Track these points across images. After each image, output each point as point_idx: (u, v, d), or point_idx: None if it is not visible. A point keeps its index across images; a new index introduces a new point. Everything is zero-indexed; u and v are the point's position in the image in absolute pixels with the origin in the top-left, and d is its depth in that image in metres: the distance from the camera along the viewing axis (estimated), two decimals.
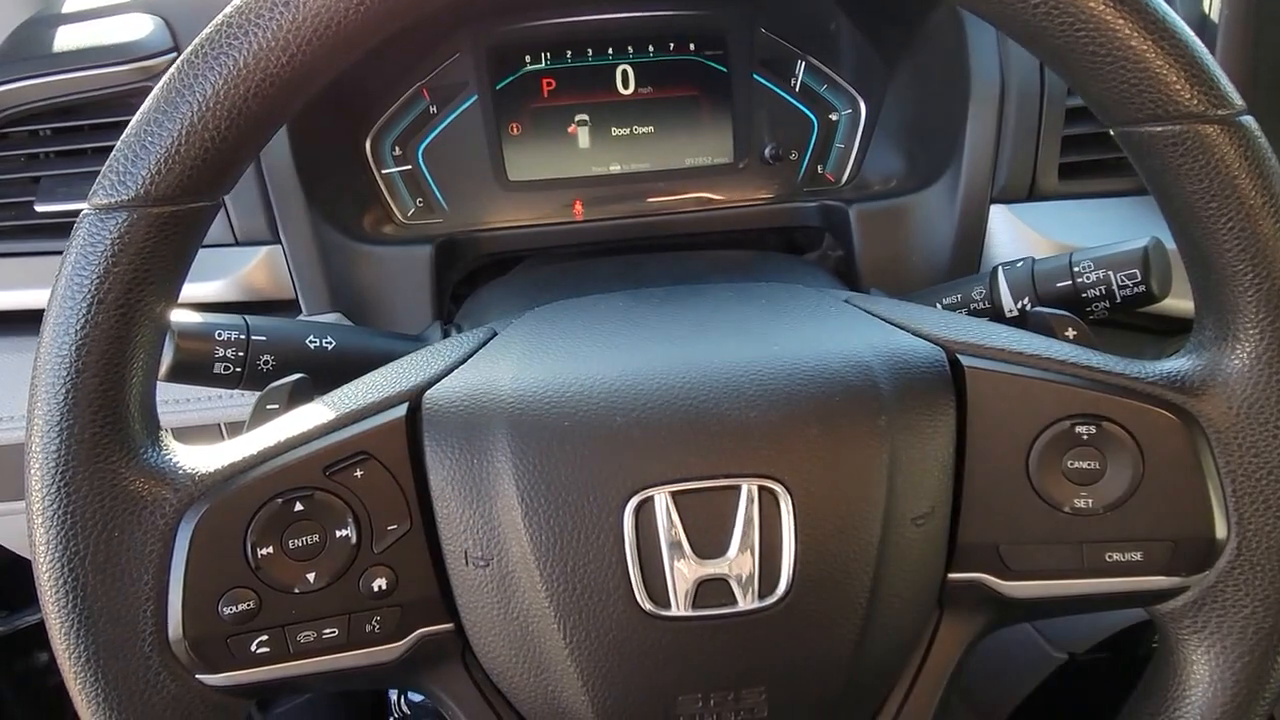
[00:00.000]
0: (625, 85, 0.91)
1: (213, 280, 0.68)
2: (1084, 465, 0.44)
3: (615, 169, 0.91)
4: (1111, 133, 0.42)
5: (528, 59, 0.89)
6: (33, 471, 0.39)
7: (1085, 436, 0.44)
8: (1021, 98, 0.69)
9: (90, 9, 0.73)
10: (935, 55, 0.75)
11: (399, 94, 0.87)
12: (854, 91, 0.89)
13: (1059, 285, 0.55)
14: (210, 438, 0.70)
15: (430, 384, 0.45)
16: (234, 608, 0.41)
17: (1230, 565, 0.44)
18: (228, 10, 0.37)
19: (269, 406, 0.48)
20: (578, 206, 0.91)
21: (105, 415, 0.39)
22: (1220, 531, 0.43)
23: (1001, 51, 0.70)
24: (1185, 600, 0.45)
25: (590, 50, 0.89)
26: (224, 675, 0.42)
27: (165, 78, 0.37)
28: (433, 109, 0.88)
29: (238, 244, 0.69)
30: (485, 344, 0.48)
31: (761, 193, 0.90)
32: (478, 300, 0.67)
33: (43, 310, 0.63)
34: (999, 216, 0.70)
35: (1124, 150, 0.42)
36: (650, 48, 0.90)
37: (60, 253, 0.65)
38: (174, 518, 0.41)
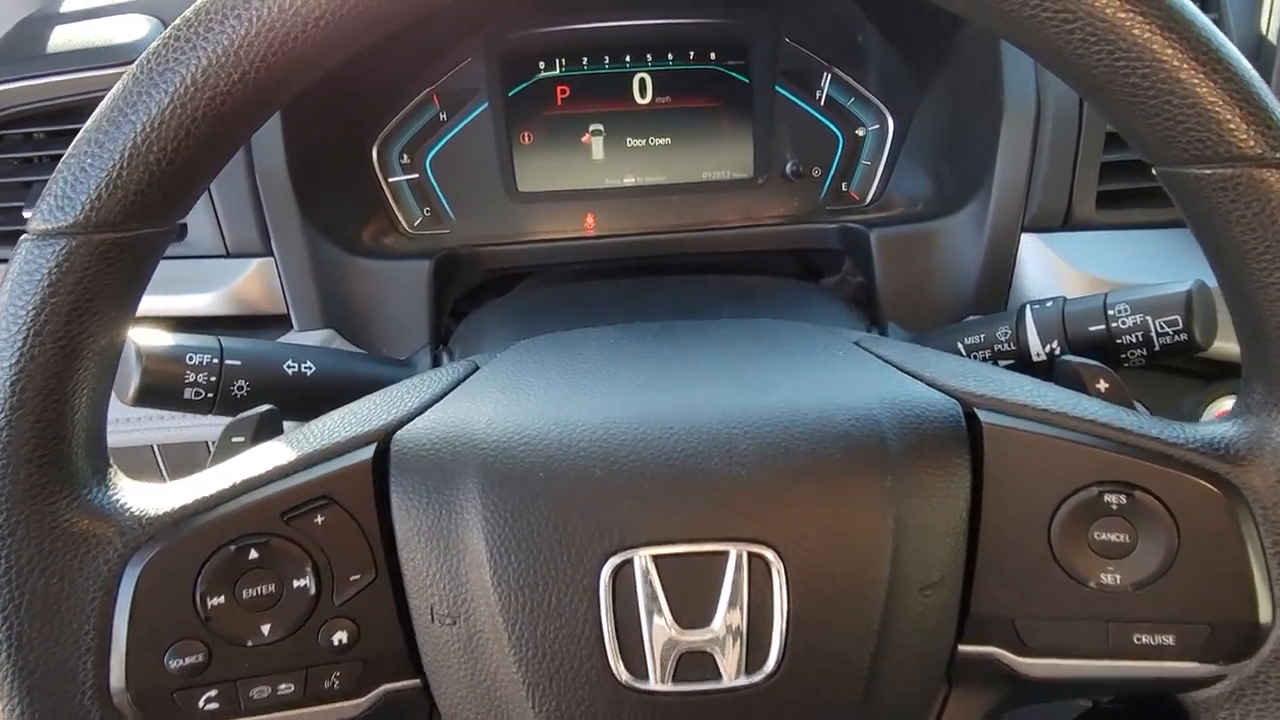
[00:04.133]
0: (642, 94, 0.87)
1: (202, 293, 0.65)
2: (1112, 537, 0.40)
3: (630, 181, 0.88)
4: (1154, 171, 0.38)
5: (541, 65, 0.85)
6: None
7: (1115, 506, 0.40)
8: (1058, 119, 0.64)
9: (87, 9, 0.71)
10: (968, 72, 0.71)
11: (408, 99, 0.84)
12: (882, 106, 0.85)
13: (1091, 329, 0.51)
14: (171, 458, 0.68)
15: (401, 423, 0.42)
16: (181, 660, 0.39)
17: (1275, 654, 0.39)
18: (177, 21, 0.34)
19: (234, 439, 0.45)
20: (589, 220, 0.87)
21: (44, 453, 0.36)
22: (1265, 616, 0.39)
23: (1038, 70, 0.65)
24: (1222, 690, 0.40)
25: (607, 57, 0.86)
26: None
27: (110, 94, 0.34)
28: (442, 116, 0.85)
29: (229, 255, 0.66)
30: (464, 380, 0.45)
31: (782, 210, 0.86)
32: (472, 324, 0.63)
33: None
34: (1030, 246, 0.66)
35: (1167, 192, 0.38)
36: (669, 56, 0.86)
37: None
38: (118, 563, 0.38)
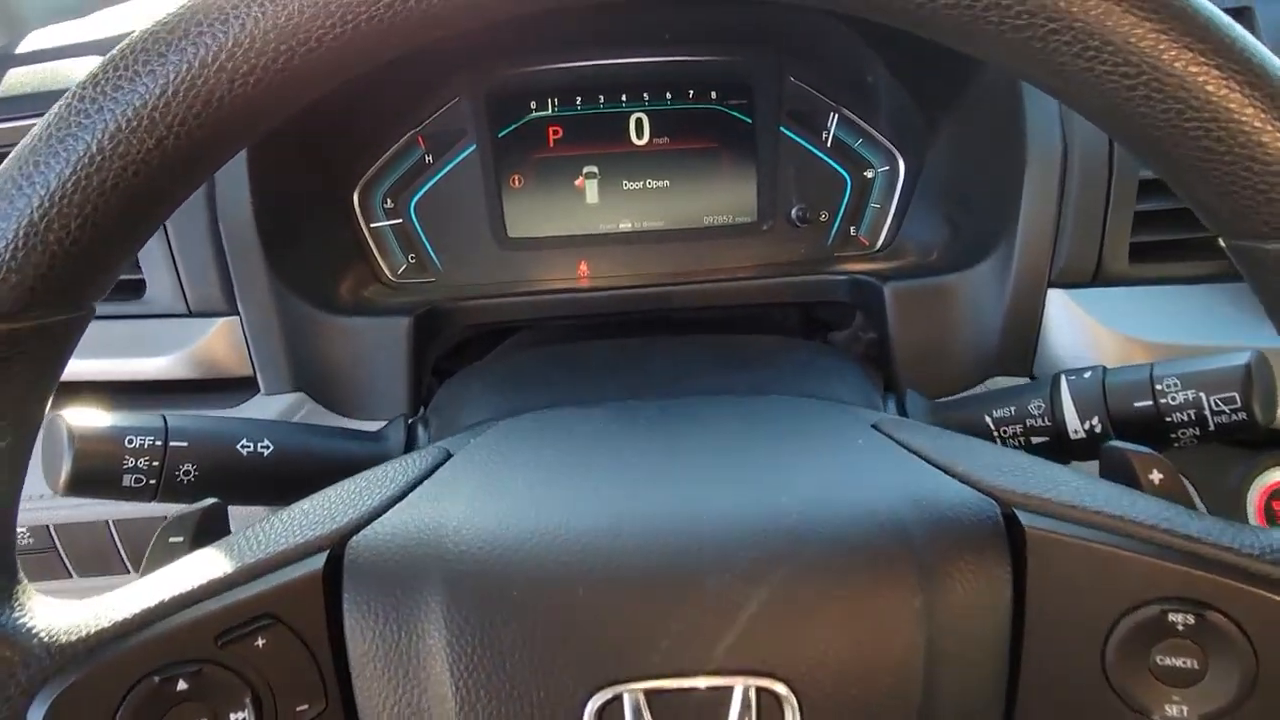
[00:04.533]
0: (639, 135, 0.83)
1: (160, 355, 0.60)
2: (1178, 663, 0.34)
3: (626, 227, 0.83)
4: (1221, 243, 0.33)
5: (533, 105, 0.81)
6: None
7: (1181, 627, 0.34)
8: (1087, 163, 0.60)
9: (47, 49, 0.66)
10: (986, 113, 0.66)
11: (391, 141, 0.80)
12: (892, 147, 0.81)
13: (1137, 406, 0.46)
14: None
15: (357, 527, 0.37)
16: None
17: None
18: (83, 77, 0.29)
19: (171, 540, 0.40)
20: (583, 267, 0.83)
21: None
22: None
23: (1063, 111, 0.61)
24: None
25: (601, 96, 0.82)
26: None
27: (6, 160, 0.30)
28: (428, 158, 0.81)
29: (190, 314, 0.61)
30: (433, 470, 0.40)
31: (788, 256, 0.81)
32: (451, 390, 0.58)
33: None
34: (1057, 303, 0.61)
35: (1238, 266, 0.33)
36: (668, 95, 0.82)
37: None
38: (22, 700, 0.33)
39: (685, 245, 0.82)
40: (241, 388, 0.62)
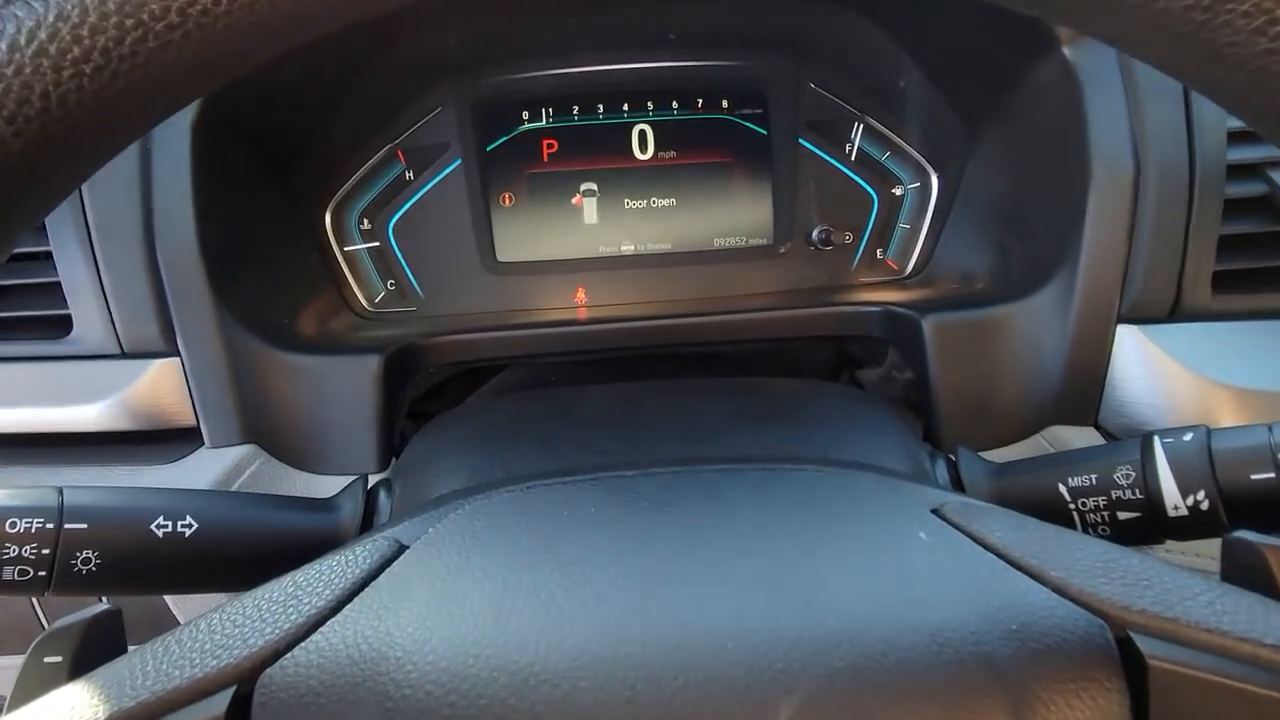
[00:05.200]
0: (643, 149, 0.75)
1: (88, 403, 0.52)
2: None
3: (628, 250, 0.75)
4: None
5: (525, 115, 0.73)
6: None
7: None
8: (1164, 183, 0.51)
9: None
10: (1040, 120, 0.58)
11: (367, 156, 0.72)
12: (924, 161, 0.73)
13: (1255, 478, 0.37)
14: None
15: (276, 654, 0.28)
16: None
17: None
18: None
19: (48, 660, 0.31)
20: (580, 294, 0.75)
21: None
22: None
23: (1134, 121, 0.52)
24: None
25: (601, 106, 0.74)
26: None
27: None
28: (409, 174, 0.73)
29: (123, 355, 0.53)
30: (381, 570, 0.31)
31: (807, 282, 0.73)
32: (425, 443, 0.50)
33: None
34: (1128, 341, 0.52)
35: None
36: (674, 104, 0.74)
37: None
38: None
39: (694, 270, 0.73)
40: (183, 439, 0.54)
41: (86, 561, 0.37)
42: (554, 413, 0.50)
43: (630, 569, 0.30)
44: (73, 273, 0.52)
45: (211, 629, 0.29)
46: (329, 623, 0.29)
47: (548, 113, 0.73)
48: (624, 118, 0.74)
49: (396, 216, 0.72)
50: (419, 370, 0.61)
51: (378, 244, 0.72)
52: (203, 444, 0.54)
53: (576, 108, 0.74)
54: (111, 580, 0.38)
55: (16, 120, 0.20)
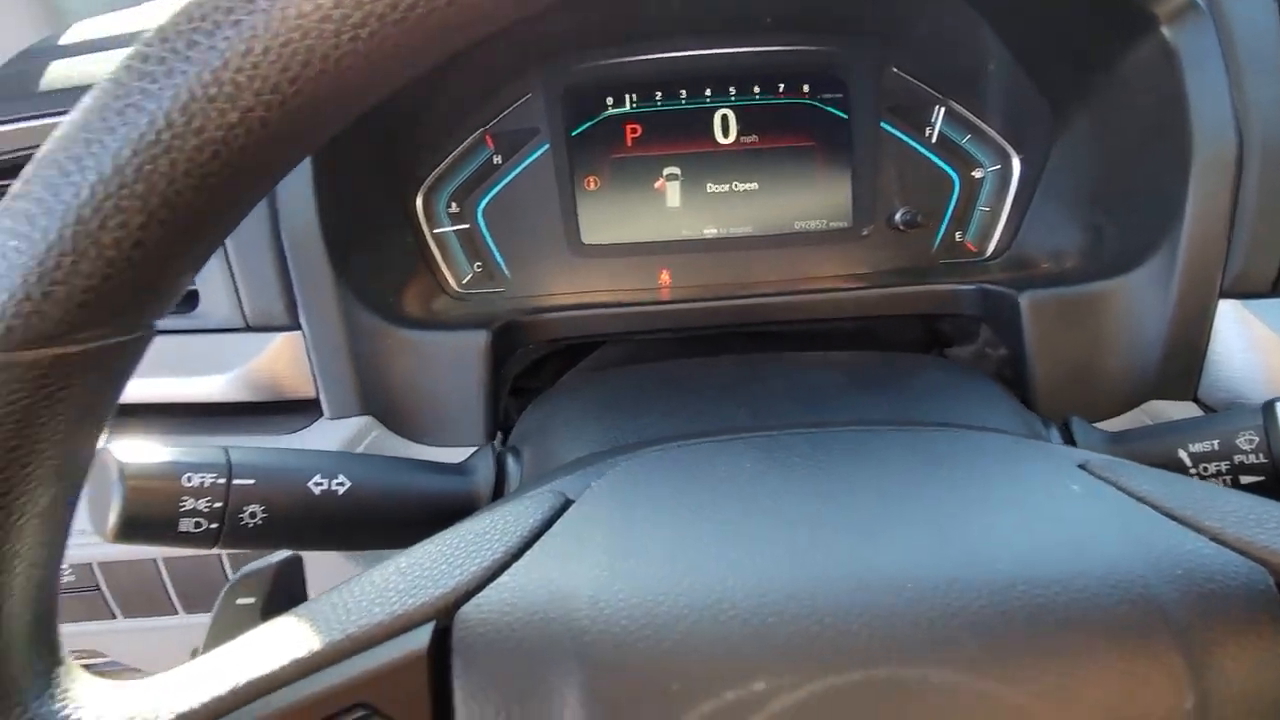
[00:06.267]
0: (725, 133, 0.76)
1: (214, 374, 0.54)
2: None
3: (710, 233, 0.76)
4: None
5: (609, 101, 0.75)
6: None
7: None
8: (1267, 159, 0.52)
9: (92, 39, 0.61)
10: (1134, 101, 0.59)
11: (458, 142, 0.74)
12: (1005, 144, 0.73)
13: None
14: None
15: (468, 593, 0.30)
16: None
17: None
18: (147, 33, 0.23)
19: (240, 601, 0.33)
20: (664, 277, 0.76)
21: None
22: None
23: (1235, 98, 0.53)
24: None
25: (684, 91, 0.75)
26: None
27: (48, 144, 0.23)
28: (496, 159, 0.74)
29: (248, 329, 0.55)
30: (551, 522, 0.33)
31: (887, 264, 0.74)
32: (539, 414, 0.52)
33: None
34: (1230, 316, 0.53)
35: None
36: (756, 89, 0.75)
37: None
38: None
39: (775, 253, 0.75)
40: (302, 411, 0.56)
41: (253, 515, 0.39)
42: (668, 383, 0.52)
43: (797, 516, 0.32)
44: None
45: (402, 572, 0.31)
46: (513, 566, 0.31)
47: (631, 98, 0.75)
48: (706, 102, 0.75)
49: (485, 200, 0.74)
50: (522, 345, 0.63)
51: (466, 226, 0.74)
52: (322, 415, 0.56)
53: (660, 93, 0.75)
54: (274, 534, 0.40)
55: (303, 79, 0.21)
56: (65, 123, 0.23)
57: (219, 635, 0.32)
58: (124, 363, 0.26)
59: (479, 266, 0.74)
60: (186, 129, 0.22)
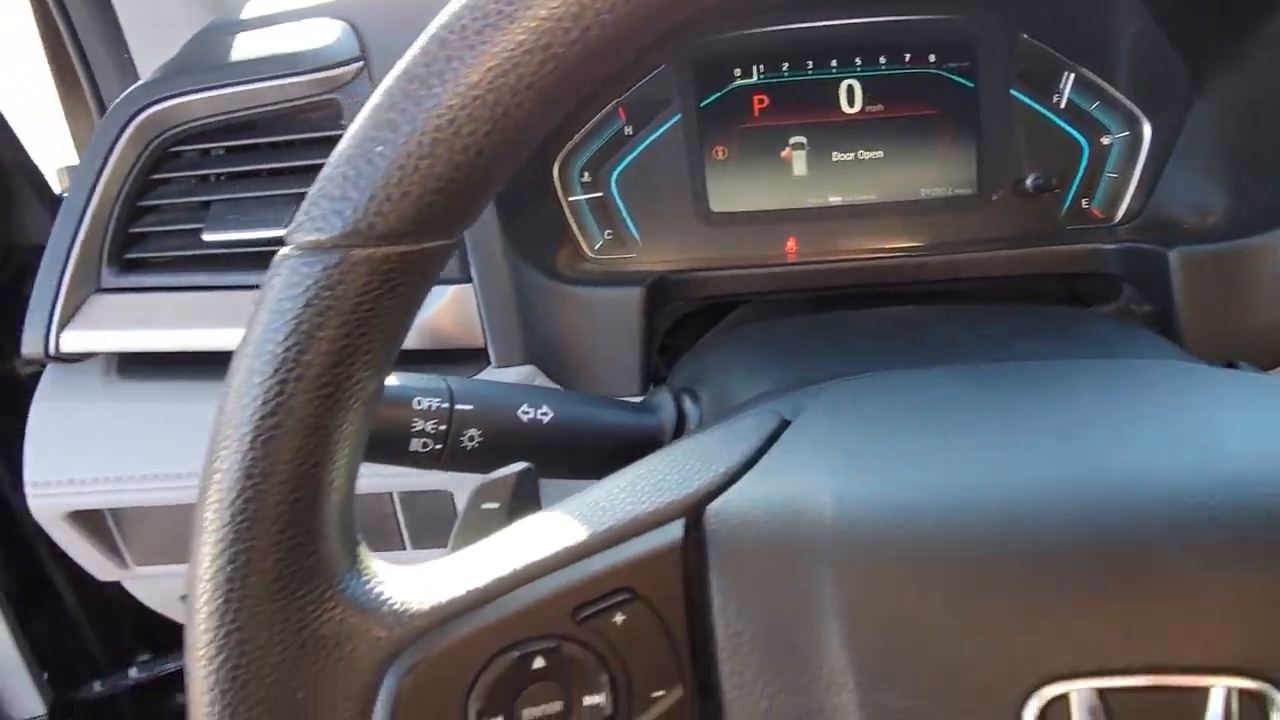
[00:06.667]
0: (850, 103, 0.78)
1: None
2: None
3: (835, 200, 0.78)
4: None
5: (737, 72, 0.77)
6: (197, 607, 0.28)
7: None
8: None
9: (272, 15, 0.65)
10: None
11: (592, 113, 0.77)
12: (1135, 109, 0.74)
13: None
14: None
15: (713, 493, 0.32)
16: None
17: None
18: None
19: (486, 506, 0.36)
20: (790, 244, 0.78)
21: (295, 534, 0.28)
22: None
23: None
24: None
25: (810, 62, 0.77)
26: None
27: (403, 62, 0.26)
28: (628, 130, 0.77)
29: None
30: (776, 437, 0.35)
31: (1013, 230, 0.75)
32: (703, 361, 0.54)
33: (209, 353, 0.51)
34: None
35: None
36: (881, 59, 0.77)
37: (229, 288, 0.56)
38: (375, 673, 0.29)
39: (902, 219, 0.76)
40: (470, 360, 0.59)
41: (471, 439, 0.42)
42: (838, 330, 0.53)
43: (1020, 429, 0.34)
44: None
45: (645, 477, 0.34)
46: (748, 474, 0.33)
47: (759, 69, 0.77)
48: (832, 73, 0.77)
49: (618, 170, 0.77)
50: (670, 302, 0.66)
51: (599, 194, 0.77)
52: (487, 364, 0.59)
53: (786, 64, 0.77)
54: (488, 458, 0.43)
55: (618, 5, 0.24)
56: (424, 39, 0.26)
57: (466, 537, 0.35)
58: (436, 269, 0.29)
59: (609, 234, 0.76)
60: (536, 45, 0.25)
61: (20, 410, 0.71)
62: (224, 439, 0.28)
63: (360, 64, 0.60)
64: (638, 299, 0.60)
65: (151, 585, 0.67)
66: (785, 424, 0.36)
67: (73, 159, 0.90)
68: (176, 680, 1.01)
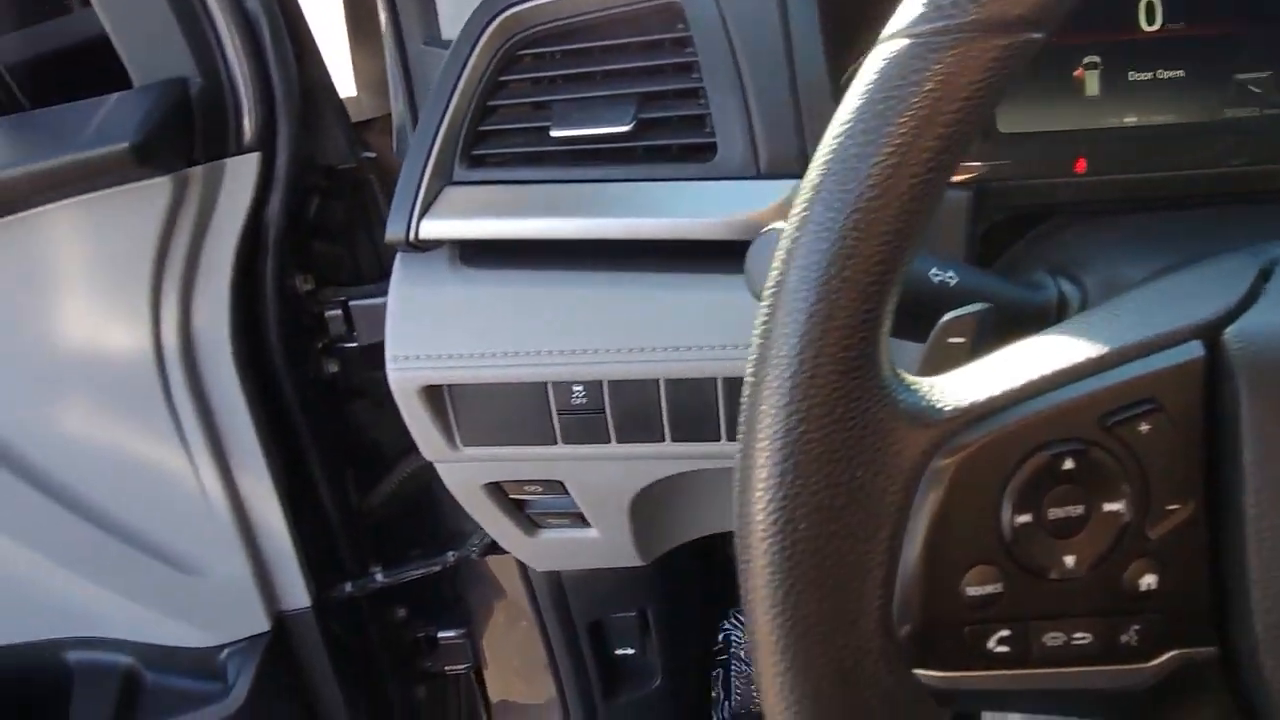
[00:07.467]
0: (1150, 20, 0.76)
1: (727, 217, 0.60)
2: None
3: (1130, 121, 0.76)
4: None
5: None
6: (766, 390, 0.30)
7: None
8: None
9: None
10: None
11: None
12: None
13: None
14: None
15: (1228, 319, 0.33)
16: (979, 589, 0.31)
17: None
18: None
19: (951, 340, 0.38)
20: (1080, 165, 0.77)
21: (868, 313, 0.30)
22: None
23: None
24: None
25: None
26: (948, 674, 0.32)
27: None
28: None
29: (759, 176, 0.60)
30: (1269, 275, 0.36)
31: None
32: (1068, 246, 0.54)
33: (546, 242, 0.54)
34: None
35: None
36: None
37: (570, 181, 0.59)
38: (920, 462, 0.31)
39: (1201, 141, 0.74)
40: None
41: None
42: (1181, 223, 0.53)
43: None
44: (723, 104, 0.60)
45: (1159, 296, 0.34)
46: (1257, 303, 0.34)
47: None
48: None
49: None
50: (988, 211, 0.66)
51: None
52: None
53: None
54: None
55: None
56: None
57: (935, 367, 0.37)
58: (1018, 69, 0.30)
59: None
60: None
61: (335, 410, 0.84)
62: (812, 219, 0.30)
63: None
64: (966, 204, 0.61)
65: (463, 470, 0.71)
66: (1273, 264, 0.36)
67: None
68: (398, 593, 1.08)
